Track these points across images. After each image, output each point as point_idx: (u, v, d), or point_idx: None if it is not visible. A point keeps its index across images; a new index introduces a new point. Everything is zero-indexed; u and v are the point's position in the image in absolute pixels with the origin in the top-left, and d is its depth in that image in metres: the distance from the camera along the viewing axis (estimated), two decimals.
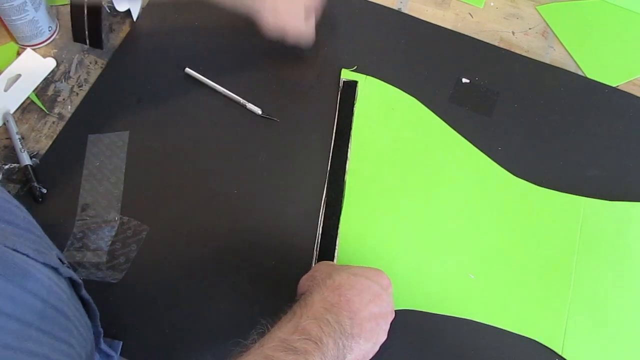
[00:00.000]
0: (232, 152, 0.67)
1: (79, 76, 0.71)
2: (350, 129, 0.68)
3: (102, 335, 0.51)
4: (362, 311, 0.47)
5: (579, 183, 0.66)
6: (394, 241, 0.62)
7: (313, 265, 0.61)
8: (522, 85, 0.72)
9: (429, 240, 0.62)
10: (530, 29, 0.78)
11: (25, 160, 0.63)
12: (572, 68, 0.75)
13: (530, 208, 0.65)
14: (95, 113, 0.69)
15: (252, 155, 0.67)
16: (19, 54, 0.72)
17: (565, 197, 0.65)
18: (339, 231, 0.62)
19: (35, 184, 0.62)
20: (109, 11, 0.75)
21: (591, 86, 0.73)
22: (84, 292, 0.47)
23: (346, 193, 0.64)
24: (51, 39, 0.73)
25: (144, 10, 0.76)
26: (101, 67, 0.72)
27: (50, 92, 0.70)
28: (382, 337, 0.50)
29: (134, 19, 0.75)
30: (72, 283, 0.46)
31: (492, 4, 0.80)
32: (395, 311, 0.53)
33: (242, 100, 0.69)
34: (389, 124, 0.69)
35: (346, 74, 0.72)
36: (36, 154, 0.65)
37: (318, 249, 0.61)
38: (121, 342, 0.56)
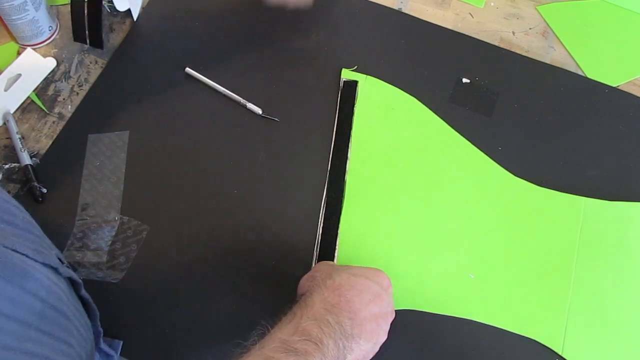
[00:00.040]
0: (232, 152, 0.67)
1: (79, 76, 0.71)
2: (350, 129, 0.68)
3: (101, 335, 0.51)
4: (362, 311, 0.47)
5: (579, 183, 0.66)
6: (394, 241, 0.62)
7: (313, 265, 0.61)
8: (522, 85, 0.72)
9: (429, 240, 0.62)
10: (530, 29, 0.78)
11: (26, 160, 0.63)
12: (572, 68, 0.75)
13: (530, 208, 0.65)
14: (95, 113, 0.68)
15: (252, 155, 0.67)
16: (19, 53, 0.72)
17: (565, 197, 0.65)
18: (339, 231, 0.62)
19: (36, 184, 0.62)
20: (109, 11, 0.75)
21: (591, 86, 0.73)
22: (83, 292, 0.47)
23: (346, 193, 0.64)
24: (51, 39, 0.73)
25: (144, 10, 0.76)
26: (101, 66, 0.72)
27: (50, 91, 0.70)
28: (383, 337, 0.50)
29: (134, 19, 0.75)
30: (72, 283, 0.46)
31: (492, 4, 0.80)
32: (395, 311, 0.53)
33: (242, 100, 0.69)
34: (389, 124, 0.69)
35: (346, 74, 0.72)
36: (36, 153, 0.65)
37: (318, 249, 0.61)
38: (121, 342, 0.56)
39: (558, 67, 0.74)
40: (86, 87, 0.70)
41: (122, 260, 0.60)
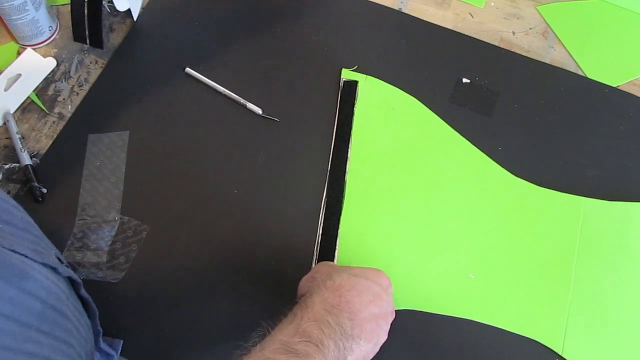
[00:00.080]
0: (232, 152, 0.67)
1: (79, 76, 0.71)
2: (350, 129, 0.68)
3: (101, 334, 0.51)
4: (363, 312, 0.47)
5: (579, 183, 0.66)
6: (394, 241, 0.62)
7: (313, 265, 0.61)
8: (523, 85, 0.72)
9: (429, 240, 0.62)
10: (530, 29, 0.78)
11: (26, 160, 0.63)
12: (572, 68, 0.75)
13: (530, 208, 0.64)
14: (95, 113, 0.68)
15: (252, 155, 0.67)
16: (19, 53, 0.72)
17: (565, 197, 0.65)
18: (339, 231, 0.62)
19: (36, 184, 0.62)
20: (109, 11, 0.75)
21: (591, 86, 0.73)
22: (83, 292, 0.47)
23: (346, 193, 0.64)
24: (51, 39, 0.73)
25: (144, 10, 0.76)
26: (101, 66, 0.72)
27: (50, 91, 0.70)
28: (383, 337, 0.50)
29: (134, 19, 0.75)
30: (72, 282, 0.46)
31: (492, 4, 0.80)
32: (396, 311, 0.53)
33: (242, 100, 0.69)
34: (389, 124, 0.69)
35: (346, 74, 0.72)
36: (36, 153, 0.65)
37: (318, 249, 0.61)
38: (122, 341, 0.56)
39: (558, 67, 0.74)
40: (86, 87, 0.70)
41: (122, 260, 0.60)
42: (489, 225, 0.63)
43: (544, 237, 0.63)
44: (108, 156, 0.66)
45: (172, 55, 0.73)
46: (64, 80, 0.71)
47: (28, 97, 0.69)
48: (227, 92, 0.70)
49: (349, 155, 0.67)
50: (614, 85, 0.73)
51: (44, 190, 0.62)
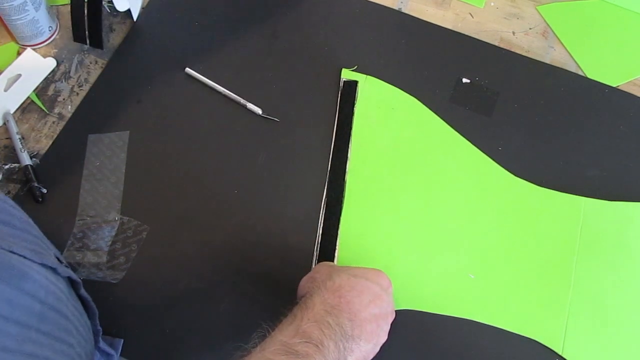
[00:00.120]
0: (232, 152, 0.67)
1: (79, 76, 0.71)
2: (350, 129, 0.68)
3: (100, 333, 0.51)
4: (363, 312, 0.47)
5: (579, 183, 0.66)
6: (394, 241, 0.62)
7: (313, 265, 0.61)
8: (522, 85, 0.72)
9: (429, 240, 0.62)
10: (530, 29, 0.78)
11: (26, 160, 0.63)
12: (572, 68, 0.75)
13: (530, 208, 0.64)
14: (95, 113, 0.68)
15: (252, 155, 0.67)
16: (19, 53, 0.72)
17: (565, 197, 0.65)
18: (339, 231, 0.62)
19: (36, 184, 0.62)
20: (109, 11, 0.75)
21: (591, 86, 0.73)
22: (82, 291, 0.47)
23: (346, 193, 0.64)
24: (51, 39, 0.73)
25: (144, 10, 0.76)
26: (101, 67, 0.72)
27: (50, 92, 0.70)
28: (383, 337, 0.50)
29: (134, 19, 0.75)
30: (71, 282, 0.46)
31: (492, 4, 0.80)
32: (396, 311, 0.53)
33: (242, 100, 0.69)
34: (389, 124, 0.69)
35: (346, 74, 0.72)
36: (36, 154, 0.65)
37: (318, 249, 0.61)
38: (122, 340, 0.56)
39: (558, 67, 0.74)
40: (86, 87, 0.70)
41: (122, 260, 0.60)
42: (489, 225, 0.63)
43: (544, 237, 0.63)
44: (108, 156, 0.66)
45: (172, 55, 0.73)
46: (64, 81, 0.71)
47: (28, 97, 0.69)
48: (227, 92, 0.70)
49: (349, 155, 0.67)
50: (614, 85, 0.73)
51: (44, 191, 0.62)
